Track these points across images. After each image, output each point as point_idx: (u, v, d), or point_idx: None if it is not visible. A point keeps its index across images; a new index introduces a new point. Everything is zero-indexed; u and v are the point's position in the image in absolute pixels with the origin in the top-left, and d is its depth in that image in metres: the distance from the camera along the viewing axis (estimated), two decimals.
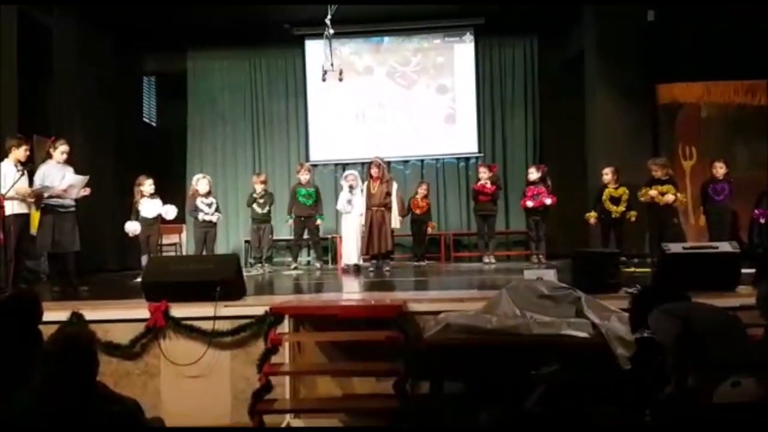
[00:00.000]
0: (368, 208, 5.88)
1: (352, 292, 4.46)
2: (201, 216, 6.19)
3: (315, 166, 8.14)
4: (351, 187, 6.16)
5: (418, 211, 7.02)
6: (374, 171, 5.96)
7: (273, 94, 8.25)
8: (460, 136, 8.03)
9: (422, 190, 7.09)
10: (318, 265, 6.69)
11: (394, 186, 6.06)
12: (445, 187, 8.14)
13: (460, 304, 3.30)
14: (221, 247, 8.25)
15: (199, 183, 6.25)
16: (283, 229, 7.94)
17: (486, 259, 6.68)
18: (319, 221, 6.57)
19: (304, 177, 6.54)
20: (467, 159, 8.12)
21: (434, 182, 7.96)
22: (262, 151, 8.38)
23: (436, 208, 7.89)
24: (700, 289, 2.76)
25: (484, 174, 6.68)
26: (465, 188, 7.99)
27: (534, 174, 6.59)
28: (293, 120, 8.32)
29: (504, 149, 8.05)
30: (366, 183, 6.06)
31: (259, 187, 6.52)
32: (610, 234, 5.90)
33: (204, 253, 6.13)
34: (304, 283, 5.30)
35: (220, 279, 3.47)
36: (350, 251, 6.11)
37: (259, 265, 6.48)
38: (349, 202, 6.11)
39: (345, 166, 8.23)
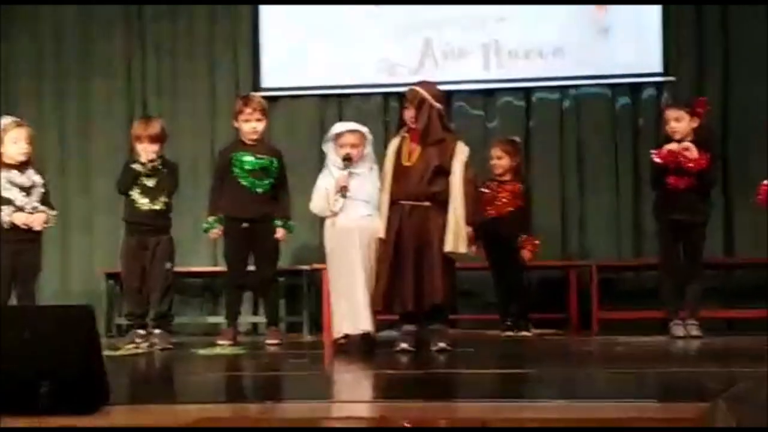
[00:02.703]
0: (394, 201, 5.94)
1: (355, 400, 4.47)
2: (8, 215, 6.29)
3: (273, 100, 8.28)
4: (347, 160, 6.04)
5: (505, 202, 7.13)
6: (411, 114, 5.98)
7: None
8: (620, 38, 8.28)
9: (500, 154, 7.22)
10: (273, 338, 6.78)
11: (462, 151, 5.97)
12: (580, 152, 8.37)
13: None
14: (54, 290, 8.42)
15: (12, 136, 6.39)
16: (199, 248, 8.05)
17: (678, 329, 6.72)
18: (281, 233, 6.71)
19: (250, 128, 6.69)
20: (636, 88, 8.34)
21: (551, 140, 8.25)
22: (151, 70, 8.75)
23: (555, 200, 8.14)
24: None
25: (679, 123, 6.67)
26: (630, 159, 8.24)
27: None
28: None
29: (725, 71, 8.19)
30: (395, 143, 6.08)
31: (144, 150, 6.63)
32: None
33: (13, 300, 6.30)
34: (248, 378, 5.36)
35: (49, 365, 3.51)
36: (352, 305, 6.09)
37: (141, 332, 6.64)
38: (343, 191, 6.00)
39: (341, 100, 8.41)
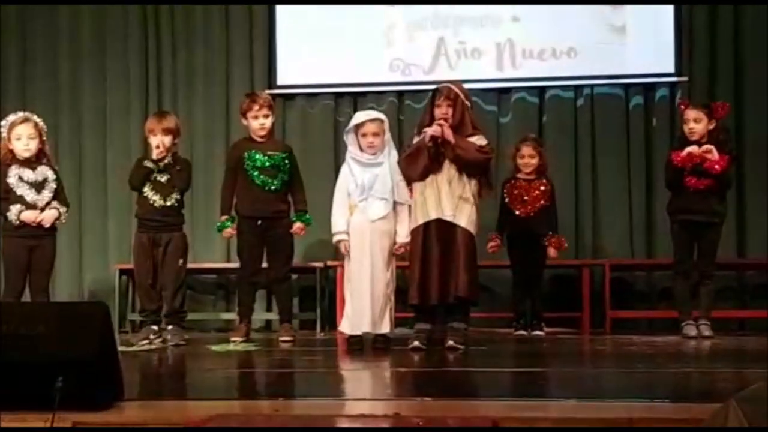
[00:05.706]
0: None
1: (367, 397, 4.47)
2: (16, 213, 6.33)
3: (288, 98, 8.32)
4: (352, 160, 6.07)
5: (535, 200, 7.15)
6: (443, 111, 5.92)
7: None
8: (633, 38, 8.32)
9: (532, 153, 7.24)
10: (286, 335, 6.77)
11: (478, 139, 5.98)
12: (593, 151, 8.41)
13: None
14: (68, 285, 8.45)
15: (16, 133, 6.39)
16: (213, 244, 8.06)
17: (690, 329, 6.72)
18: (298, 225, 6.72)
19: (258, 124, 6.70)
20: (649, 88, 8.36)
21: (564, 139, 8.26)
22: (167, 69, 8.81)
23: (568, 199, 8.12)
24: None
25: (698, 124, 6.67)
26: (643, 159, 8.24)
27: None
28: None
29: (738, 72, 8.18)
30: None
31: (157, 143, 6.61)
32: None
33: (26, 297, 6.29)
34: (260, 374, 5.37)
35: (64, 360, 3.50)
36: (356, 307, 6.05)
37: (155, 328, 6.66)
38: (361, 191, 6.02)
39: (357, 99, 8.41)
